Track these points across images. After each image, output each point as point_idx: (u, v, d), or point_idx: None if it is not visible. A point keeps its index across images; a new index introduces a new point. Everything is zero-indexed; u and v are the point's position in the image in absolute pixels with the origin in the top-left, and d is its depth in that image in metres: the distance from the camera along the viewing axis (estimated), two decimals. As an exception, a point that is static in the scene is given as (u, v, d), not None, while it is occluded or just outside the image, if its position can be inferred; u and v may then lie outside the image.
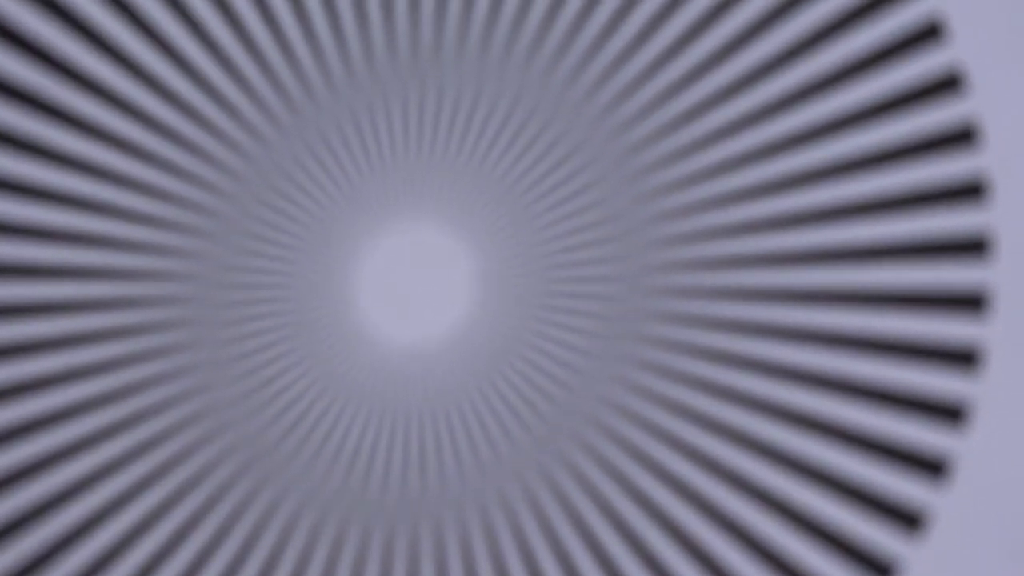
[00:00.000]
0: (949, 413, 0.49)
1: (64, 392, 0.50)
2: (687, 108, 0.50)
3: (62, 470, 0.50)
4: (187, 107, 0.50)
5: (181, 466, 0.50)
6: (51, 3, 0.51)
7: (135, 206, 0.51)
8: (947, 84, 0.49)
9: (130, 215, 0.51)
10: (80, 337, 0.50)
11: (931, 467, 0.49)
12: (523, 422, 0.50)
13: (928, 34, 0.49)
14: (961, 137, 0.49)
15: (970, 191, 0.49)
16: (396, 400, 0.50)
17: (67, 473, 0.50)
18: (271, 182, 0.51)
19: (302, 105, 0.51)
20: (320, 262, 0.50)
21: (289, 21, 0.50)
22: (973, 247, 0.49)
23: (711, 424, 0.49)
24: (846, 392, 0.49)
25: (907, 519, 0.49)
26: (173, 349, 0.51)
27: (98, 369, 0.51)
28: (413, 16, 0.50)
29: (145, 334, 0.51)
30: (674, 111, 0.50)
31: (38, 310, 0.51)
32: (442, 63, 0.50)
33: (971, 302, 0.49)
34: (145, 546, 0.50)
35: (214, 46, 0.51)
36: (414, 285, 0.50)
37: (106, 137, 0.51)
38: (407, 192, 0.50)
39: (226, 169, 0.51)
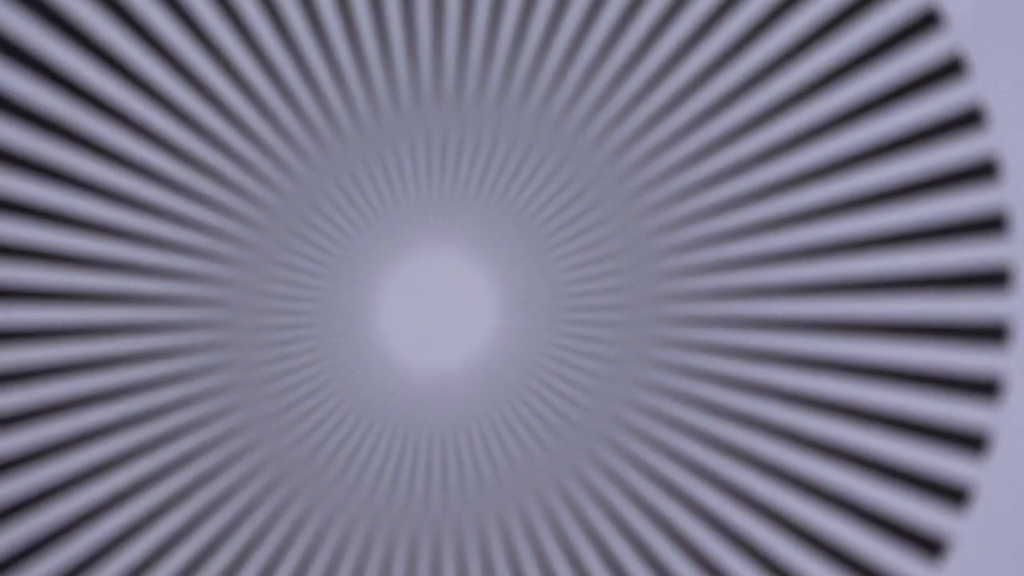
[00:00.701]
0: (971, 442, 0.48)
1: (107, 409, 0.51)
2: (698, 148, 0.50)
3: (96, 486, 0.51)
4: (221, 143, 0.51)
5: (214, 481, 0.51)
6: (93, 46, 0.51)
7: (175, 237, 0.51)
8: (969, 119, 0.48)
9: (169, 245, 0.51)
10: (120, 359, 0.51)
11: (953, 495, 0.49)
12: (540, 441, 0.50)
13: (950, 69, 0.49)
14: (982, 171, 0.48)
15: (991, 224, 0.48)
16: (418, 421, 0.51)
17: (101, 489, 0.51)
18: (300, 214, 0.51)
19: (330, 143, 0.51)
20: (346, 289, 0.51)
21: (320, 66, 0.51)
22: (994, 279, 0.48)
23: (725, 447, 0.50)
24: (867, 420, 0.49)
25: (929, 546, 0.49)
26: (208, 371, 0.51)
27: (138, 389, 0.51)
28: (436, 63, 0.51)
29: (182, 356, 0.51)
30: (684, 151, 0.50)
31: (84, 333, 0.51)
32: (463, 106, 0.51)
33: (992, 333, 0.48)
34: (178, 557, 0.51)
35: (248, 87, 0.51)
36: (436, 311, 0.51)
37: (149, 175, 0.51)
38: (429, 224, 0.51)
39: (258, 201, 0.51)
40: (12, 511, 0.51)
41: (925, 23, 0.49)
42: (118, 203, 0.51)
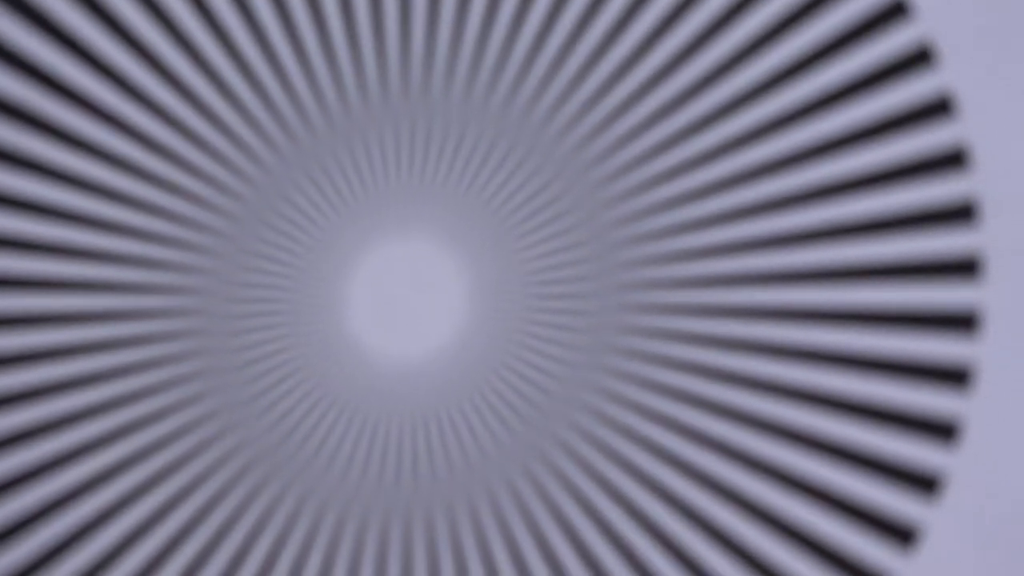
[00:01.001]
0: (941, 430, 0.48)
1: (79, 395, 0.51)
2: (663, 138, 0.50)
3: (71, 471, 0.51)
4: (193, 135, 0.51)
5: (187, 466, 0.51)
6: (67, 39, 0.51)
7: (148, 226, 0.51)
8: (938, 108, 0.48)
9: (142, 234, 0.51)
10: (93, 346, 0.51)
11: (923, 483, 0.49)
12: (509, 427, 0.50)
13: (918, 59, 0.49)
14: (951, 159, 0.48)
15: (961, 212, 0.48)
16: (389, 408, 0.51)
17: (76, 473, 0.51)
18: (272, 204, 0.51)
19: (300, 135, 0.51)
20: (317, 279, 0.51)
21: (289, 60, 0.51)
22: (964, 267, 0.48)
23: (693, 434, 0.50)
24: (837, 408, 0.49)
25: (899, 534, 0.49)
26: (181, 358, 0.51)
27: (111, 375, 0.51)
28: (404, 55, 0.51)
29: (155, 343, 0.51)
30: (649, 142, 0.50)
31: (55, 320, 0.51)
32: (431, 98, 0.51)
33: (962, 322, 0.48)
34: (152, 541, 0.51)
35: (220, 80, 0.51)
36: (405, 300, 0.51)
37: (123, 165, 0.52)
38: (399, 214, 0.51)
39: (230, 192, 0.51)
40: (-10, 496, 0.51)
41: (894, 12, 0.49)
42: (91, 192, 0.51)
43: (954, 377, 0.48)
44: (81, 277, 0.51)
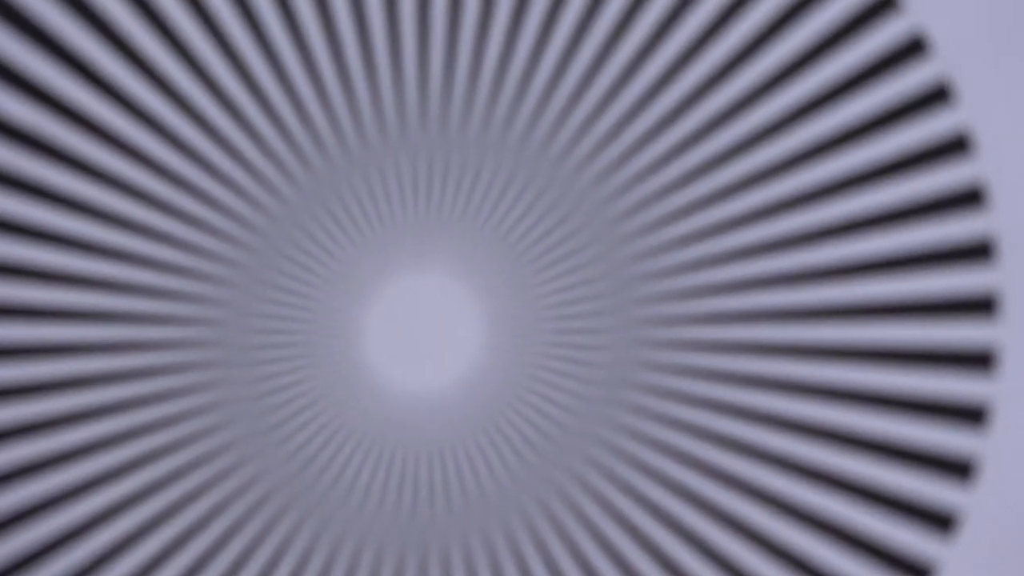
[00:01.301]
0: (957, 469, 0.49)
1: (97, 425, 0.51)
2: (682, 173, 0.50)
3: (87, 501, 0.51)
4: (209, 165, 0.51)
5: (205, 496, 0.51)
6: (80, 65, 0.51)
7: (165, 256, 0.51)
8: (956, 146, 0.48)
9: (159, 265, 0.51)
10: (111, 376, 0.51)
11: (939, 521, 0.49)
12: (525, 460, 0.50)
13: (937, 96, 0.49)
14: (969, 198, 0.48)
15: (978, 251, 0.48)
16: (405, 439, 0.51)
17: (92, 504, 0.51)
18: (289, 235, 0.51)
19: (317, 166, 0.51)
20: (334, 310, 0.51)
21: (306, 90, 0.51)
22: (981, 306, 0.48)
23: (709, 469, 0.50)
24: (853, 445, 0.49)
25: (915, 571, 0.49)
26: (198, 389, 0.51)
27: (129, 406, 0.51)
28: (422, 86, 0.51)
29: (173, 374, 0.51)
30: (668, 177, 0.50)
31: (76, 350, 0.51)
32: (449, 130, 0.51)
33: (979, 360, 0.48)
34: (168, 571, 0.52)
35: (236, 109, 0.51)
36: (421, 332, 0.51)
37: (140, 195, 0.51)
38: (416, 246, 0.51)
39: (247, 223, 0.51)
40: (3, 525, 0.51)
41: (912, 50, 0.49)
42: (108, 223, 0.51)
43: (970, 415, 0.49)
44: (97, 307, 0.51)
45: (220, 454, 0.51)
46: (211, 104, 0.52)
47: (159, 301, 0.51)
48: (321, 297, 0.51)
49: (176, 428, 0.51)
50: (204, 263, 0.51)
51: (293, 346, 0.51)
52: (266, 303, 0.51)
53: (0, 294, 0.51)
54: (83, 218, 0.51)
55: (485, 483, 0.51)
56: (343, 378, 0.51)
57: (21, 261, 0.51)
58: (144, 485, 0.51)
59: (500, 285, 0.51)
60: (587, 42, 0.50)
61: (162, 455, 0.51)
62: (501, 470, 0.50)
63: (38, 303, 0.51)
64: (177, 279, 0.51)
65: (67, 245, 0.51)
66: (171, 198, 0.51)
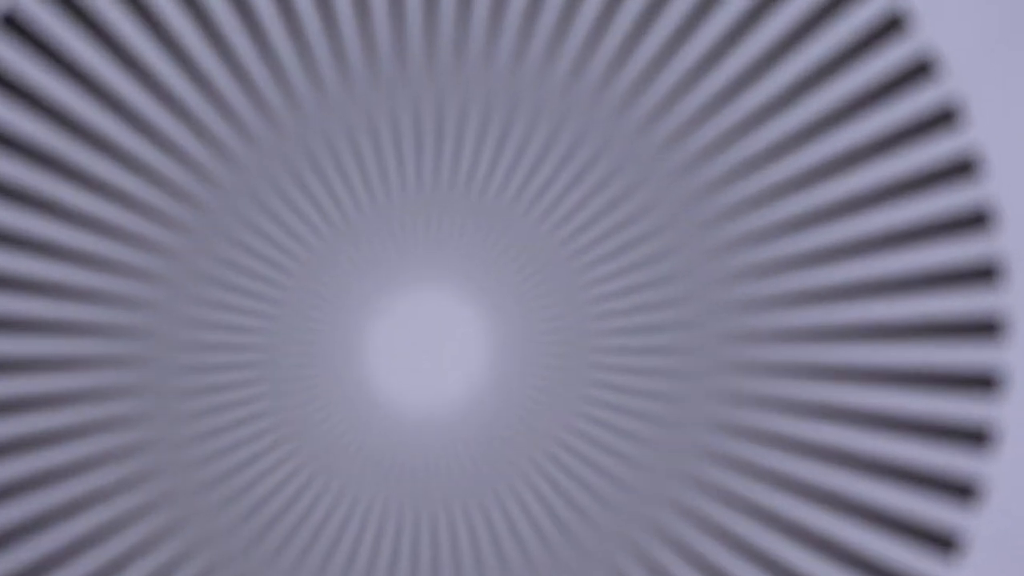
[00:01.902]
0: (963, 490, 0.51)
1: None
2: (689, 190, 0.50)
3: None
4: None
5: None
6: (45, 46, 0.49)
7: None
8: (964, 167, 0.50)
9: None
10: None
11: (945, 543, 0.50)
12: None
13: (944, 118, 0.50)
14: (977, 220, 0.50)
15: (985, 273, 0.50)
16: (408, 488, 0.49)
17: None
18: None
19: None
20: (337, 328, 0.49)
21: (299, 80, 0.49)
22: (987, 328, 0.50)
23: (735, 501, 0.50)
24: (859, 467, 0.50)
25: None
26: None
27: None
28: (429, 20, 0.49)
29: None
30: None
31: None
32: (466, 69, 0.49)
33: (985, 382, 0.50)
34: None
35: (201, 79, 0.49)
36: (424, 351, 0.49)
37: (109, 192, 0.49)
38: (422, 239, 0.49)
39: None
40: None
41: (923, 70, 0.50)
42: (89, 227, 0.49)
43: (977, 438, 0.50)
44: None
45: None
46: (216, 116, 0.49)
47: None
48: (289, 300, 0.49)
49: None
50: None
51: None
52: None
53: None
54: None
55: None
56: (327, 404, 0.49)
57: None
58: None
59: (532, 287, 0.49)
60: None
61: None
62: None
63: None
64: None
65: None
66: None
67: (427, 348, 0.50)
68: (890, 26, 0.51)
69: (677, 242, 0.50)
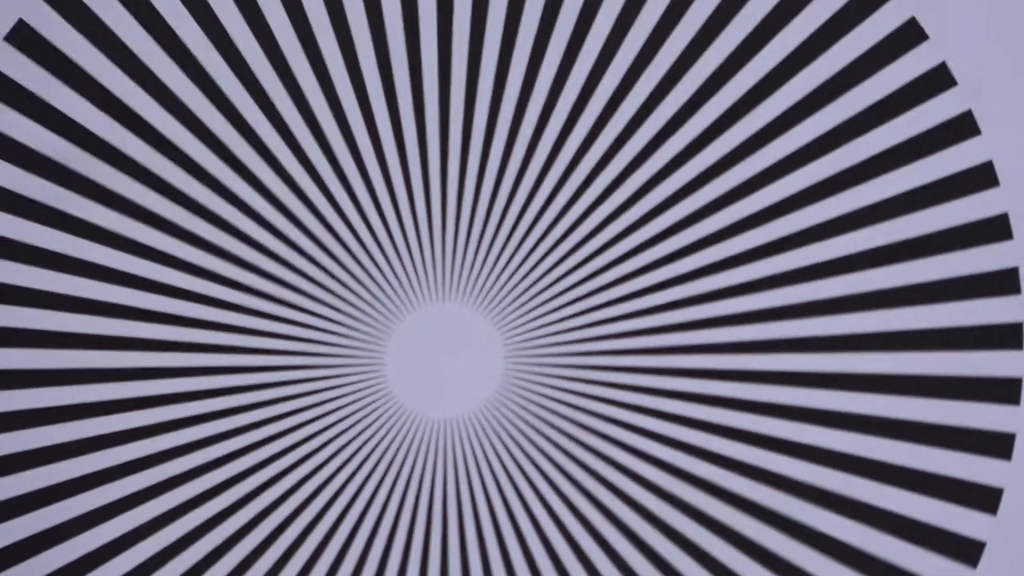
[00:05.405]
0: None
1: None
2: (713, 198, 0.50)
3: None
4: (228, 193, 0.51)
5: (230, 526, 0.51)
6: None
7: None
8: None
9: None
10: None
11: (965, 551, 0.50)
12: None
13: (961, 128, 0.50)
14: (1004, 277, 0.49)
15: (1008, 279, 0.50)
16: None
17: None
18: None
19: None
20: (356, 341, 0.50)
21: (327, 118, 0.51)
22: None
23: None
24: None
25: None
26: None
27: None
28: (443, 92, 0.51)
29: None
30: (673, 217, 0.50)
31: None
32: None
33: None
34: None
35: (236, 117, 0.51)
36: (441, 362, 0.51)
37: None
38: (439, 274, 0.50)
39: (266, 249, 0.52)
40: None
41: (939, 83, 0.50)
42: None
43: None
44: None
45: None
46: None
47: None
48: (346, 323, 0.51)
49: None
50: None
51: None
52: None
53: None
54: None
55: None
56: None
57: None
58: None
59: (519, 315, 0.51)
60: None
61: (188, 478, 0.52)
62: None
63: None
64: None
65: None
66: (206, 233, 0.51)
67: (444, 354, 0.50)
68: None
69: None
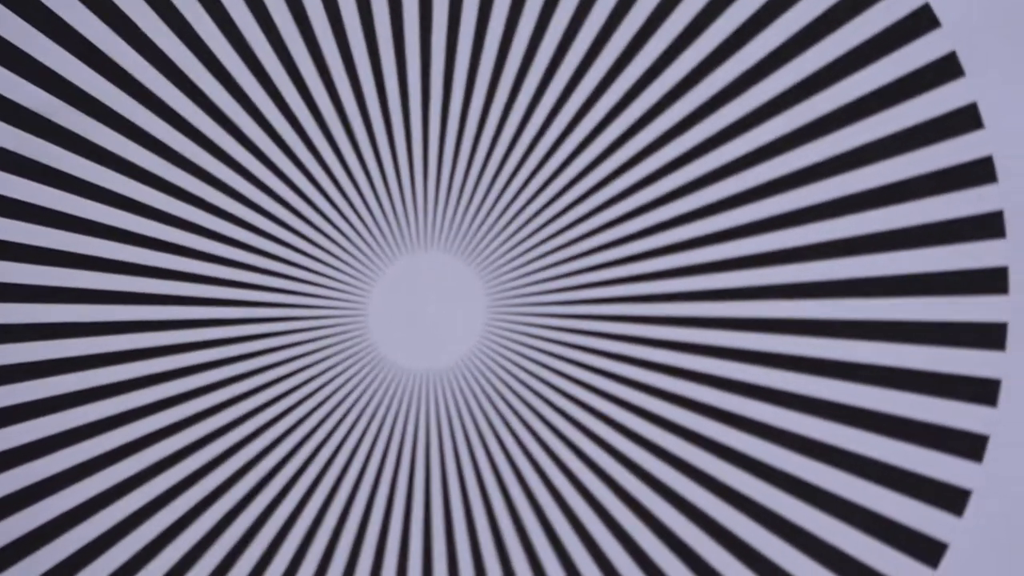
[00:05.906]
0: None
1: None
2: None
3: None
4: (182, 121, 0.51)
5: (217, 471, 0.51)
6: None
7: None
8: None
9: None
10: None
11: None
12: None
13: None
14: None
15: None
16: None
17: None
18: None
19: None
20: (340, 290, 0.50)
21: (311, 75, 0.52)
22: (987, 389, 0.50)
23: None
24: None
25: None
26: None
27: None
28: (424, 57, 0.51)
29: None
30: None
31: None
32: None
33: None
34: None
35: (220, 69, 0.51)
36: (425, 312, 0.51)
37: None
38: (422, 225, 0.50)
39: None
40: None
41: (923, 25, 0.50)
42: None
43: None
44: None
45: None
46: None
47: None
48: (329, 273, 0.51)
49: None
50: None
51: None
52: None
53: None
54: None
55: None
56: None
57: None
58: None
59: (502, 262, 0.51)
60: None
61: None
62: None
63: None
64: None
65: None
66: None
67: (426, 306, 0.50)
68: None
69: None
